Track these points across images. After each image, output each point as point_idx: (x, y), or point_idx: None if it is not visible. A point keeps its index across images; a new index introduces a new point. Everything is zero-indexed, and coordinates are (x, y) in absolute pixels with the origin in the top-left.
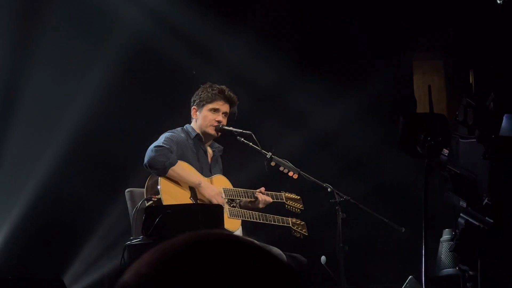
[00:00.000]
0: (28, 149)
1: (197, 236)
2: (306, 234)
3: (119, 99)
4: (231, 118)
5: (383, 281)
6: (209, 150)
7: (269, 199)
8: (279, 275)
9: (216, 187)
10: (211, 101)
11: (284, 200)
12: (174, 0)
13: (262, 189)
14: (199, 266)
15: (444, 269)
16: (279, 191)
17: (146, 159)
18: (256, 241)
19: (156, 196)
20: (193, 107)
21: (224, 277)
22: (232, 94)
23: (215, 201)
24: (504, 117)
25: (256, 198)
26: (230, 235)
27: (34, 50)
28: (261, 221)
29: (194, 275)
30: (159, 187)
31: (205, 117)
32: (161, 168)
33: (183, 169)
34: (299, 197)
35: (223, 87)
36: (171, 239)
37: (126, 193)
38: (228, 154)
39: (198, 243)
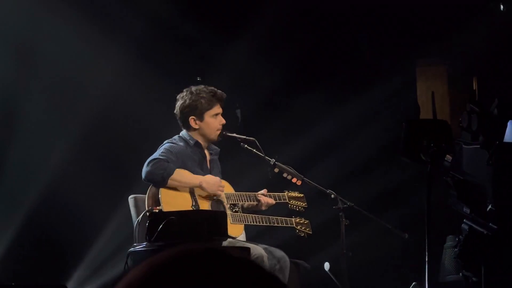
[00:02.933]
0: (31, 154)
1: (186, 249)
2: (310, 233)
3: (123, 104)
4: (235, 124)
5: (386, 287)
6: (207, 154)
7: (272, 201)
8: (265, 286)
9: (214, 177)
10: (210, 107)
11: (287, 200)
12: (177, 6)
13: (264, 191)
14: (188, 279)
15: (447, 275)
16: (282, 191)
17: (143, 175)
18: (248, 250)
19: (157, 208)
20: (190, 117)
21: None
22: (222, 92)
23: (219, 193)
24: (508, 123)
25: (259, 201)
26: (219, 248)
27: (36, 54)
28: (264, 224)
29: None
30: (159, 196)
31: (210, 125)
32: (160, 180)
33: (182, 175)
34: (302, 195)
35: (212, 88)
36: (163, 250)
37: (129, 200)
38: (232, 160)
39: (187, 256)
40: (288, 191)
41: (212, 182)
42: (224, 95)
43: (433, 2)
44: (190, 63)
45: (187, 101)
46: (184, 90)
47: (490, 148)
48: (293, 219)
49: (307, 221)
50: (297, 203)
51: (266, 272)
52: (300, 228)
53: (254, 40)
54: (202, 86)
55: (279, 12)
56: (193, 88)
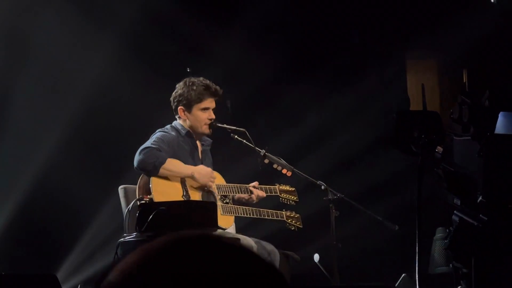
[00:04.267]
0: (22, 144)
1: (180, 236)
2: (301, 227)
3: (113, 96)
4: (225, 115)
5: (376, 279)
6: (198, 144)
7: (263, 194)
8: (261, 274)
9: (205, 168)
10: (200, 100)
11: (278, 193)
12: None
13: (256, 183)
14: (182, 265)
15: (437, 267)
16: (273, 184)
17: (135, 163)
18: (239, 239)
19: (148, 196)
20: (179, 107)
21: (206, 276)
22: (217, 87)
23: (210, 185)
24: (499, 115)
25: (250, 193)
26: (212, 235)
27: (26, 43)
28: (255, 217)
29: (177, 274)
30: (150, 186)
31: (197, 118)
32: (152, 169)
33: (174, 164)
34: (293, 189)
35: (207, 82)
36: (155, 239)
37: (119, 190)
38: (222, 151)
39: (181, 242)
40: (280, 184)
41: (203, 173)
42: (220, 90)
43: None
44: (181, 53)
45: (179, 90)
46: (185, 79)
47: (481, 139)
48: (283, 212)
49: (298, 215)
50: (288, 197)
51: (261, 259)
52: (290, 221)
53: (245, 31)
54: (201, 78)
55: (269, 3)
56: (190, 79)
